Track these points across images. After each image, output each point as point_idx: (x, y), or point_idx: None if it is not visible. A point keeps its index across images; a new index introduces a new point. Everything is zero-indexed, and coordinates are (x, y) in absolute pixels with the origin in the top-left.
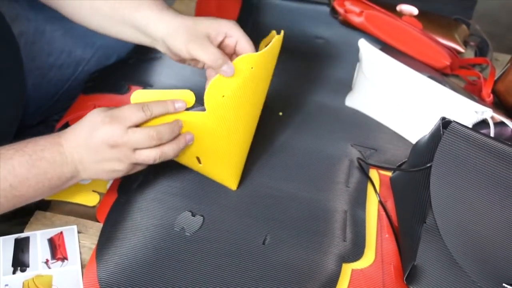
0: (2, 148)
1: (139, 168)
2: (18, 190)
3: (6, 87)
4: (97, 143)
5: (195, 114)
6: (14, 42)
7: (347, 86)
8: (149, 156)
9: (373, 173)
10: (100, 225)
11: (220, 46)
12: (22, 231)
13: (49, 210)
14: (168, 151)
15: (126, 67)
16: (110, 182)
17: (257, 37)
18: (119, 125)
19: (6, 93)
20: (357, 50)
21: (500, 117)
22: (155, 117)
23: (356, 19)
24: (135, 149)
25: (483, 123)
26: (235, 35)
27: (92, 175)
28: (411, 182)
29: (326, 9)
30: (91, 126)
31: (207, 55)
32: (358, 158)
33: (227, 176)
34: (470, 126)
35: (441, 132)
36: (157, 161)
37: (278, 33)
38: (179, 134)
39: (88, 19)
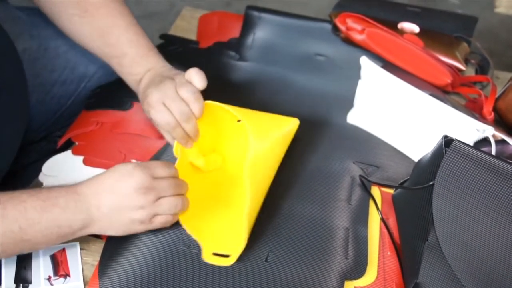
0: (15, 192)
1: (155, 225)
2: (27, 234)
3: (10, 103)
4: (126, 188)
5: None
6: (18, 58)
7: (348, 103)
8: (171, 203)
9: (375, 191)
10: (102, 242)
11: None
12: None
13: None
14: (186, 202)
15: None
16: None
17: (258, 53)
18: (149, 172)
19: (10, 109)
20: (358, 67)
21: (501, 135)
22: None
23: (358, 37)
24: (159, 198)
25: (485, 141)
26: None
27: (105, 225)
28: (413, 200)
29: (328, 26)
30: (121, 173)
31: (160, 120)
32: (360, 176)
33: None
34: (472, 144)
35: (444, 150)
36: (178, 209)
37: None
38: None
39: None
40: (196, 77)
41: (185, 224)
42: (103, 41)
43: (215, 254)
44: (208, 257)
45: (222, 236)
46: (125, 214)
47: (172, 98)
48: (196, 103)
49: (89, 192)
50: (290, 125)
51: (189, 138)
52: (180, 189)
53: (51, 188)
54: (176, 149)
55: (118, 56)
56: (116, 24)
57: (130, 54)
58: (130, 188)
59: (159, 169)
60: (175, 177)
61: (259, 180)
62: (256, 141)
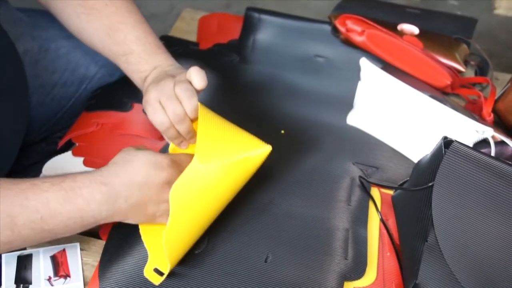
0: (37, 180)
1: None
2: (48, 224)
3: (10, 104)
4: (158, 181)
5: None
6: (19, 60)
7: (348, 105)
8: None
9: (375, 192)
10: (102, 243)
11: None
12: (25, 248)
13: None
14: None
15: (129, 84)
16: None
17: (258, 55)
18: (180, 168)
19: (10, 110)
20: (358, 68)
21: (500, 136)
22: None
23: (358, 38)
24: None
25: (484, 142)
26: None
27: (127, 215)
28: (413, 201)
29: (328, 27)
30: (151, 165)
31: (154, 119)
32: (360, 177)
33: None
34: (471, 145)
35: (443, 151)
36: None
37: None
38: None
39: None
40: (196, 76)
41: (143, 234)
42: (110, 39)
43: (156, 270)
44: (147, 271)
45: (162, 252)
46: (151, 207)
47: (168, 96)
48: (188, 101)
49: (119, 183)
50: (258, 150)
51: (183, 139)
52: None
53: (75, 175)
54: (171, 149)
55: (125, 54)
56: (123, 21)
57: (137, 51)
58: (161, 181)
59: (187, 164)
60: None
61: (195, 202)
62: (203, 159)
